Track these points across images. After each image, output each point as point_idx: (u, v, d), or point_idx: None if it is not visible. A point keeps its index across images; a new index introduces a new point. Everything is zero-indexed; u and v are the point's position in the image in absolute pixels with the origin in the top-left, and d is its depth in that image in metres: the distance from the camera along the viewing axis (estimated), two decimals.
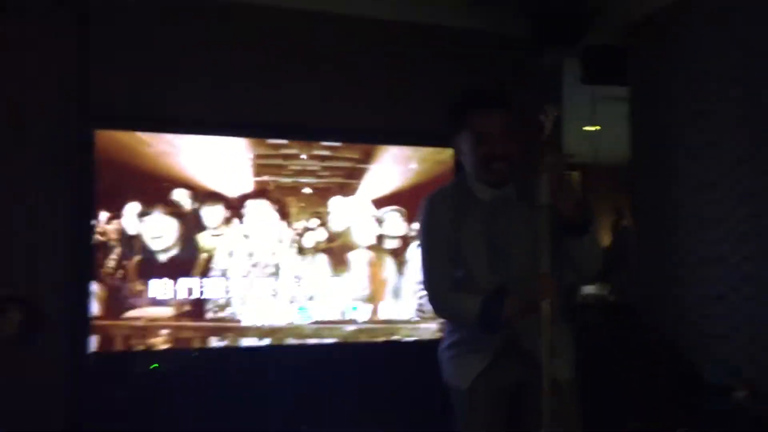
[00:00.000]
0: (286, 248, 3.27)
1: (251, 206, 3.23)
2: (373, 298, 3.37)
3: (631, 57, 3.77)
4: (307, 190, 3.31)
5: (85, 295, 2.99)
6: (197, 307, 3.15)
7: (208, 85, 3.29)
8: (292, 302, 3.27)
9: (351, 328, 3.34)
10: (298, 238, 3.29)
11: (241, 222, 3.21)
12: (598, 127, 6.04)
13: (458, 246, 2.06)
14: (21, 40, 3.03)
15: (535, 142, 1.85)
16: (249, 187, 3.23)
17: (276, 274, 3.25)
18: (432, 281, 2.11)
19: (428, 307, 2.32)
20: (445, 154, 3.43)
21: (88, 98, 3.10)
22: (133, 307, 3.06)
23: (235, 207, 3.20)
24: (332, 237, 3.33)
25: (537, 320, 1.90)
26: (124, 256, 3.04)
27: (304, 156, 3.32)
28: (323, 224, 3.32)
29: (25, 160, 3.02)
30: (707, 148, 3.21)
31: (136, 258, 3.06)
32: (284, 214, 3.27)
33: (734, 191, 3.06)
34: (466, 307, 2.01)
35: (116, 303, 3.03)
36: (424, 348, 3.20)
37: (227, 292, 3.18)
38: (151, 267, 3.08)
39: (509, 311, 1.94)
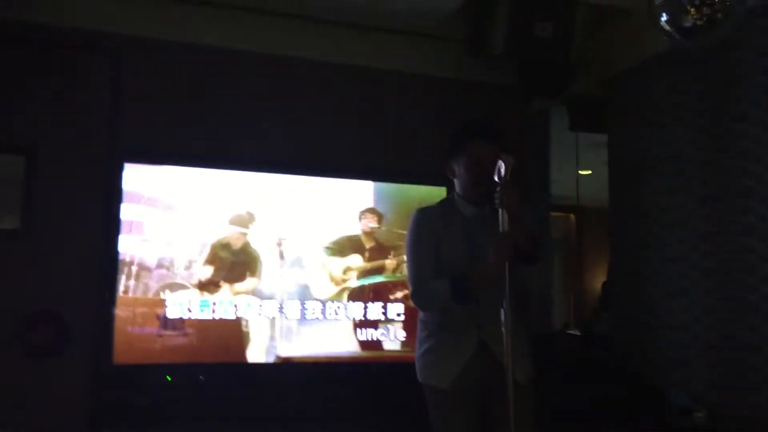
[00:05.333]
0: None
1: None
2: None
3: (610, 107, 4.12)
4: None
5: (109, 312, 3.27)
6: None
7: (232, 126, 3.67)
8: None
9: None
10: None
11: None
12: (589, 172, 6.35)
13: (440, 254, 2.45)
14: (62, 84, 3.43)
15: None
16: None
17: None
18: (416, 277, 2.49)
19: None
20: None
21: (118, 134, 3.45)
22: (152, 322, 3.36)
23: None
24: None
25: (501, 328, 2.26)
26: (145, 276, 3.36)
27: None
28: None
29: (65, 187, 3.37)
30: (674, 190, 3.51)
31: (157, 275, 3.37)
32: None
33: (697, 230, 3.36)
34: (438, 287, 2.39)
35: (137, 318, 3.33)
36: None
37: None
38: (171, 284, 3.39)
39: (475, 279, 2.33)
